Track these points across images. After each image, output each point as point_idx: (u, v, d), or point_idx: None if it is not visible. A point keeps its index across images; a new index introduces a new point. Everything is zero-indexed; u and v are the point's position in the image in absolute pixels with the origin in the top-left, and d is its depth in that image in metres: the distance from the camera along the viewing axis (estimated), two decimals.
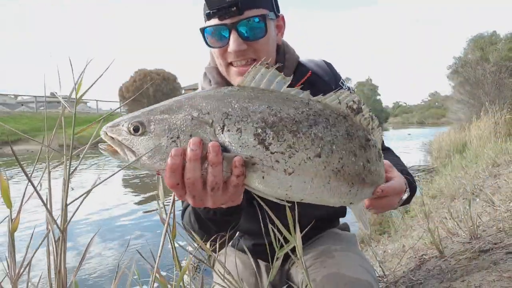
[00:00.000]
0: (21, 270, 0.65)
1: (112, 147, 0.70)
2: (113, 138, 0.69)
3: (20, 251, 0.67)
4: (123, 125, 0.68)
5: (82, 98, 0.69)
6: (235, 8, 1.02)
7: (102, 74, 0.65)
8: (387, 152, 1.31)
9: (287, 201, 0.70)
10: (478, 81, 12.54)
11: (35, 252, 0.66)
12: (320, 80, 1.27)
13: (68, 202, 0.63)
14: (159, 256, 0.72)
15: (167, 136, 0.65)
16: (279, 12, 1.19)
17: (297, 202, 0.73)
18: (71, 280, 0.66)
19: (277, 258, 0.76)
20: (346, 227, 1.48)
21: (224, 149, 0.64)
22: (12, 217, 0.65)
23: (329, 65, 1.35)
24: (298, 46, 1.31)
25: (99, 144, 0.71)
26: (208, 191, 0.66)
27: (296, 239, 0.75)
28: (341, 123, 0.73)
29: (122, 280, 0.75)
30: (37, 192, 0.64)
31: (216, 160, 0.63)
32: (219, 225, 0.93)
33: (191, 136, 0.65)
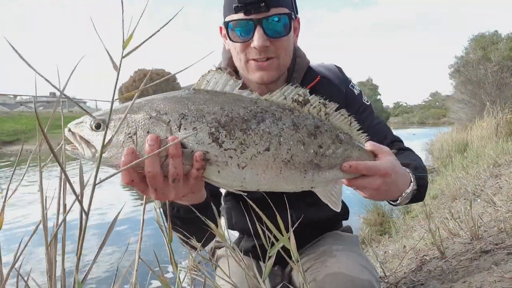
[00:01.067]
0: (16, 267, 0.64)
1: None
2: (74, 134, 0.73)
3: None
4: (86, 122, 0.73)
5: (78, 99, 0.67)
6: (263, 4, 1.04)
7: (165, 24, 0.60)
8: (403, 152, 1.26)
9: (245, 191, 0.75)
10: (480, 80, 12.52)
11: (24, 248, 0.65)
12: (330, 83, 1.30)
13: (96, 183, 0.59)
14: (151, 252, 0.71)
15: (125, 132, 0.70)
16: (297, 14, 1.20)
17: (293, 205, 0.76)
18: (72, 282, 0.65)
19: (269, 257, 0.78)
20: (348, 230, 1.47)
21: (182, 145, 0.70)
22: None
23: (339, 69, 1.38)
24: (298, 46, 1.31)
25: (66, 146, 0.74)
26: (170, 183, 0.71)
27: (290, 242, 0.76)
28: (287, 116, 0.78)
29: (123, 281, 0.75)
30: (66, 175, 0.62)
31: (176, 152, 0.68)
32: (187, 224, 0.95)
33: (148, 132, 0.70)
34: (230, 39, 1.12)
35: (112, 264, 3.86)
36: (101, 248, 0.65)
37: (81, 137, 0.73)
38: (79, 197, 0.59)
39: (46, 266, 0.67)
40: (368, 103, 1.35)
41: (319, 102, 0.83)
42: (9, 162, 12.75)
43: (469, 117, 12.03)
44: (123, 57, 0.58)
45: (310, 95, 0.83)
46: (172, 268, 0.82)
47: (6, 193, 0.68)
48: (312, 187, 0.83)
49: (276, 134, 0.75)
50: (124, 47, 0.57)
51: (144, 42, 0.57)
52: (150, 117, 0.71)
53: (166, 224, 0.86)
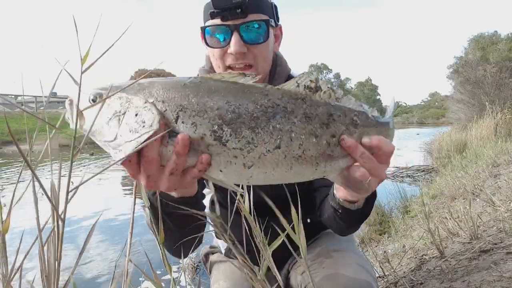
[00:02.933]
0: (14, 271, 0.64)
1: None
2: (71, 102, 0.70)
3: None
4: (86, 93, 0.69)
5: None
6: (240, 10, 1.02)
7: (118, 39, 0.62)
8: None
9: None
10: (479, 81, 12.55)
11: (29, 250, 0.66)
12: None
13: (68, 191, 0.61)
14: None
15: (115, 110, 0.66)
16: (278, 21, 1.19)
17: (288, 211, 0.78)
18: (69, 279, 0.66)
19: (264, 259, 0.78)
20: None
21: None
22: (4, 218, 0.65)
23: None
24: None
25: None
26: (166, 174, 0.66)
27: (300, 239, 0.75)
28: (299, 107, 0.71)
29: (120, 281, 0.75)
30: (39, 183, 0.63)
31: (183, 151, 0.63)
32: (173, 218, 0.90)
33: (136, 115, 0.65)
34: (207, 45, 1.11)
35: (107, 260, 3.87)
36: (81, 254, 0.66)
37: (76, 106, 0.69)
38: (55, 204, 0.61)
39: (41, 266, 0.67)
40: None
41: (328, 87, 0.76)
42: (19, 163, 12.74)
43: (468, 117, 12.04)
44: (82, 72, 0.60)
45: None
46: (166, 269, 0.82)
47: (13, 198, 0.68)
48: (323, 176, 0.77)
49: (288, 130, 0.68)
50: (82, 63, 0.59)
51: (101, 55, 0.61)
52: (146, 102, 0.67)
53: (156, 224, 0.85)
